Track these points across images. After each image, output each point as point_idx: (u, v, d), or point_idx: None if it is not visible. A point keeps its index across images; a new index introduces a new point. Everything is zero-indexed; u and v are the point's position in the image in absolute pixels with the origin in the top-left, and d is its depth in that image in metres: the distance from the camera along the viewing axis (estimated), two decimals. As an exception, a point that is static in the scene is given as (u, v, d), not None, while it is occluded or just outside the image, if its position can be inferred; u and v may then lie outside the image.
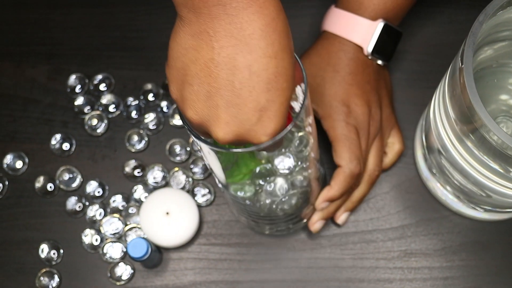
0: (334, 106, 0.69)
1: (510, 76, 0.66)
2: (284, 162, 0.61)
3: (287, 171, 0.62)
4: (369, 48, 0.70)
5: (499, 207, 0.69)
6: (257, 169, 0.62)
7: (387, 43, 0.71)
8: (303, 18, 0.81)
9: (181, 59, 0.49)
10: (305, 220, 0.73)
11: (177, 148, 0.78)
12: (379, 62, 0.72)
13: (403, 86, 0.79)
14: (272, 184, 0.63)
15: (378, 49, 0.71)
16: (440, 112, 0.64)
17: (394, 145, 0.75)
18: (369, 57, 0.71)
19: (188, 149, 0.78)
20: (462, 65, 0.55)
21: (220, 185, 0.66)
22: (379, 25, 0.70)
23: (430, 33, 0.80)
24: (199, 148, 0.57)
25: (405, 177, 0.77)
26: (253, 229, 0.74)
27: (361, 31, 0.70)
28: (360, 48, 0.70)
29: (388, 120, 0.73)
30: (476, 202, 0.70)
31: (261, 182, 0.63)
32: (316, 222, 0.71)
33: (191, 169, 0.77)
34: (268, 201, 0.64)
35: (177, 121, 0.79)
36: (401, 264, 0.74)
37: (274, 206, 0.65)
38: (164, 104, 0.79)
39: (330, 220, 0.75)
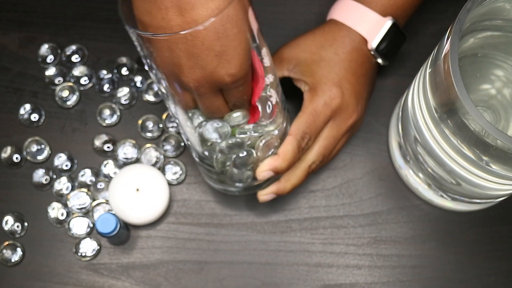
0: (323, 84, 0.68)
1: (492, 67, 0.66)
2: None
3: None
4: (374, 42, 0.70)
5: (467, 196, 0.70)
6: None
7: (391, 43, 0.71)
8: (309, 7, 0.80)
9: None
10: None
11: (150, 124, 0.76)
12: (379, 60, 0.72)
13: (382, 73, 0.78)
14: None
15: (382, 46, 0.70)
16: (419, 100, 0.64)
17: None
18: (372, 52, 0.70)
19: (161, 125, 0.76)
20: (447, 51, 0.55)
21: (188, 143, 0.65)
22: (388, 22, 0.70)
23: (410, 22, 0.80)
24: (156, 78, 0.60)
25: (379, 163, 0.76)
26: (219, 190, 0.71)
27: (369, 23, 0.70)
28: (364, 41, 0.70)
29: (359, 124, 0.73)
30: (445, 189, 0.70)
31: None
32: (267, 194, 0.69)
33: (163, 146, 0.76)
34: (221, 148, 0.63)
35: (150, 97, 0.77)
36: (371, 250, 0.74)
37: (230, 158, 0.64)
38: (138, 79, 0.78)
39: (301, 204, 0.75)
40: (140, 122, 0.77)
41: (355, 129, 0.72)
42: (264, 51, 0.62)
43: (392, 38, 0.71)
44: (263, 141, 0.64)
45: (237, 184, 0.67)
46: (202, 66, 0.54)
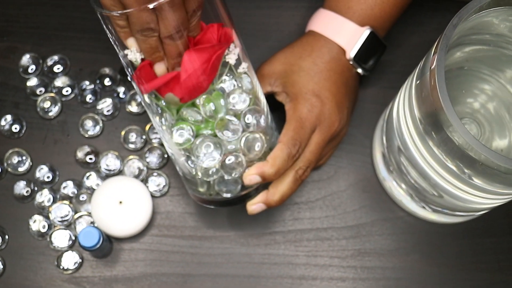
0: (304, 93, 0.68)
1: (477, 80, 0.66)
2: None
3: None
4: (352, 52, 0.70)
5: (449, 208, 0.70)
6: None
7: (371, 52, 0.71)
8: (293, 18, 0.80)
9: None
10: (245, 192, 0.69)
11: (133, 136, 0.76)
12: (359, 70, 0.72)
13: (365, 84, 0.78)
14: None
15: (361, 56, 0.70)
16: (404, 111, 0.64)
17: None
18: (350, 62, 0.70)
19: (144, 137, 0.76)
20: (433, 67, 0.55)
21: (167, 145, 0.65)
22: (365, 32, 0.70)
23: (393, 34, 0.80)
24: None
25: (363, 176, 0.76)
26: (196, 199, 0.71)
27: (347, 34, 0.70)
28: (343, 51, 0.70)
29: (342, 133, 0.73)
30: (427, 201, 0.71)
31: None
32: (255, 204, 0.67)
33: (146, 157, 0.75)
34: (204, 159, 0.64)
35: (133, 107, 0.77)
36: (355, 263, 0.74)
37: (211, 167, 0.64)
38: (121, 90, 0.77)
39: (285, 216, 0.75)
40: (123, 133, 0.76)
41: (339, 138, 0.72)
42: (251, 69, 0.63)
43: (371, 48, 0.71)
44: (244, 139, 0.64)
45: (225, 195, 0.67)
46: None
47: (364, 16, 0.70)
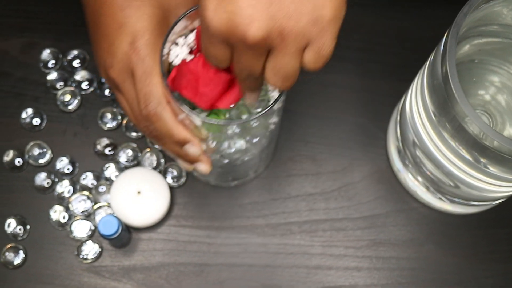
0: None
1: (487, 72, 0.67)
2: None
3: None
4: None
5: (465, 198, 0.71)
6: None
7: None
8: None
9: None
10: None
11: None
12: None
13: (378, 77, 0.79)
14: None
15: None
16: (417, 104, 0.65)
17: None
18: None
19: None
20: (444, 55, 0.56)
21: None
22: None
23: (406, 27, 0.81)
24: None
25: (377, 167, 0.77)
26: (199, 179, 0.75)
27: None
28: None
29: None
30: (444, 192, 0.71)
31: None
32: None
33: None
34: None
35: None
36: (370, 253, 0.75)
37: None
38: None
39: (300, 206, 0.76)
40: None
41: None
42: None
43: None
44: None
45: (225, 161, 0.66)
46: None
47: None
